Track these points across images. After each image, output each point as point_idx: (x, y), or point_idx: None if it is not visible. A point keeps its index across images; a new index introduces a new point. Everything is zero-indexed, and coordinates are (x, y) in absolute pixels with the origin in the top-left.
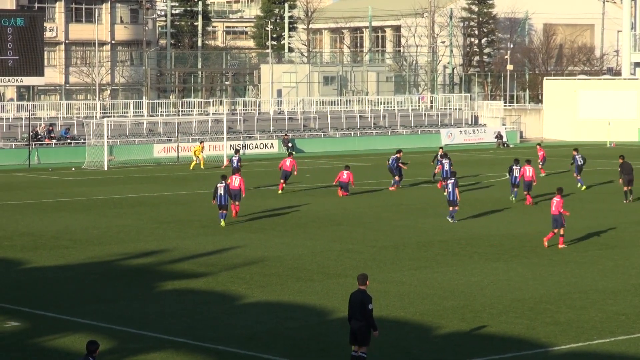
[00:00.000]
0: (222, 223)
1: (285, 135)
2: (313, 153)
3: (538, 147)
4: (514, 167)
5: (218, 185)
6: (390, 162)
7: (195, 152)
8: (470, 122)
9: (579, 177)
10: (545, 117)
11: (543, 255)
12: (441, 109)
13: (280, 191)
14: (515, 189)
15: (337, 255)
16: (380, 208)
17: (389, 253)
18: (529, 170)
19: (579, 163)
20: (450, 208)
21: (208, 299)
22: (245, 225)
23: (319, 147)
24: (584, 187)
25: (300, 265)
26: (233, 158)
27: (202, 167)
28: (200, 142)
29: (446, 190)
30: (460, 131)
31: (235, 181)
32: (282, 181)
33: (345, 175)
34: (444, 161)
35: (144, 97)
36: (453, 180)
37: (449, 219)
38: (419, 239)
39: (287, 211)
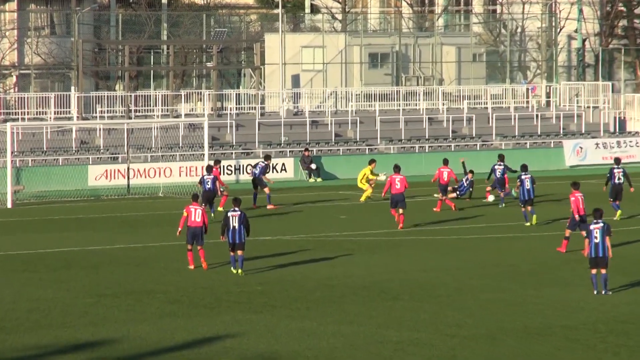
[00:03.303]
0: (235, 271)
1: (306, 150)
2: (351, 180)
3: None
4: None
5: (229, 214)
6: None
7: (365, 177)
8: (612, 129)
9: None
10: None
11: None
12: (564, 107)
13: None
14: None
15: (392, 351)
16: (461, 270)
17: (479, 347)
18: None
19: None
20: None
21: None
22: (240, 297)
23: (360, 170)
24: None
25: None
26: (205, 177)
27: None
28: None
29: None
30: (597, 144)
31: (197, 215)
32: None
33: (445, 175)
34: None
35: (72, 88)
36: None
37: None
38: (529, 322)
39: (309, 275)
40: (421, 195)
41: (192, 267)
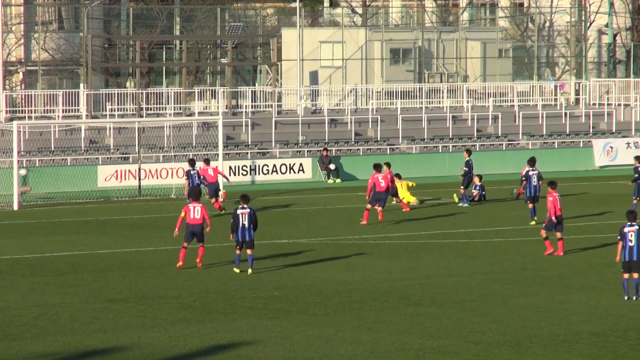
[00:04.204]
0: (238, 270)
1: (325, 150)
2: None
3: None
4: None
5: (238, 211)
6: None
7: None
8: None
9: None
10: None
11: None
12: (594, 105)
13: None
14: None
15: (413, 359)
16: (486, 274)
17: (503, 355)
18: None
19: None
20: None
21: None
22: (256, 303)
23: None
24: None
25: None
26: (191, 171)
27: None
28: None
29: None
30: (628, 143)
31: (197, 212)
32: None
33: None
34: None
35: (81, 85)
36: None
37: None
38: (555, 329)
39: (327, 280)
40: (444, 197)
41: (180, 264)
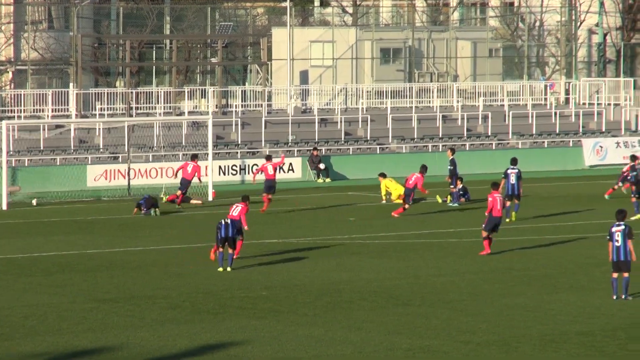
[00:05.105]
0: (222, 269)
1: (315, 150)
2: (361, 181)
3: None
4: None
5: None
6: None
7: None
8: (634, 128)
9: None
10: None
11: None
12: (584, 104)
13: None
14: None
15: (402, 359)
16: (475, 274)
17: (492, 355)
18: None
19: None
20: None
21: None
22: (245, 303)
23: (371, 170)
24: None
25: None
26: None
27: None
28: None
29: None
30: (617, 143)
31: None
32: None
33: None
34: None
35: (70, 85)
36: None
37: None
38: (544, 329)
39: (317, 280)
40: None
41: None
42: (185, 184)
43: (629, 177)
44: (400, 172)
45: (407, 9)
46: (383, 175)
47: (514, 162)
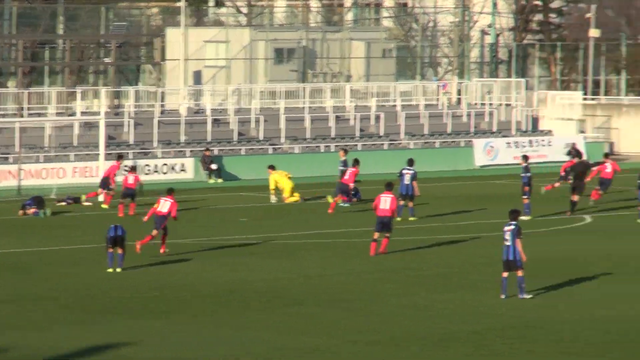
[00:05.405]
0: (112, 270)
1: (207, 150)
2: (253, 181)
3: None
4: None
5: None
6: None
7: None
8: (525, 128)
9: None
10: None
11: None
12: (476, 104)
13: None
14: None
15: (291, 358)
16: (367, 274)
17: (381, 354)
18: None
19: None
20: None
21: None
22: (135, 303)
23: (263, 171)
24: None
25: None
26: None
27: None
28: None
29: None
30: (508, 143)
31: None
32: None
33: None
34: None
35: None
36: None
37: None
38: (435, 328)
39: (208, 281)
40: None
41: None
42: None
43: (522, 179)
44: (293, 172)
45: (301, 9)
46: (272, 168)
47: (410, 162)
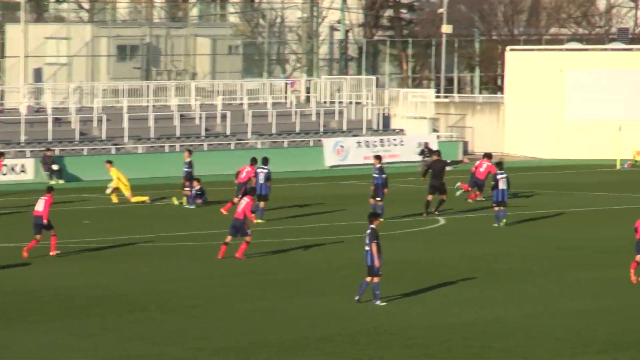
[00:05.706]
0: None
1: (48, 150)
2: (96, 182)
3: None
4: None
5: None
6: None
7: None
8: (376, 127)
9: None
10: (507, 117)
11: None
12: (325, 103)
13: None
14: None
15: None
16: (212, 279)
17: None
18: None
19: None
20: None
21: None
22: None
23: (105, 172)
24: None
25: None
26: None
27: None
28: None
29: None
30: (359, 142)
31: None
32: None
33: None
34: None
35: None
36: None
37: None
38: (283, 334)
39: (48, 286)
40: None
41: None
42: None
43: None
44: (135, 173)
45: (145, 5)
46: (110, 163)
47: (264, 161)
